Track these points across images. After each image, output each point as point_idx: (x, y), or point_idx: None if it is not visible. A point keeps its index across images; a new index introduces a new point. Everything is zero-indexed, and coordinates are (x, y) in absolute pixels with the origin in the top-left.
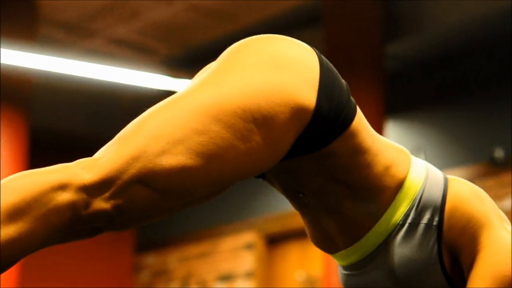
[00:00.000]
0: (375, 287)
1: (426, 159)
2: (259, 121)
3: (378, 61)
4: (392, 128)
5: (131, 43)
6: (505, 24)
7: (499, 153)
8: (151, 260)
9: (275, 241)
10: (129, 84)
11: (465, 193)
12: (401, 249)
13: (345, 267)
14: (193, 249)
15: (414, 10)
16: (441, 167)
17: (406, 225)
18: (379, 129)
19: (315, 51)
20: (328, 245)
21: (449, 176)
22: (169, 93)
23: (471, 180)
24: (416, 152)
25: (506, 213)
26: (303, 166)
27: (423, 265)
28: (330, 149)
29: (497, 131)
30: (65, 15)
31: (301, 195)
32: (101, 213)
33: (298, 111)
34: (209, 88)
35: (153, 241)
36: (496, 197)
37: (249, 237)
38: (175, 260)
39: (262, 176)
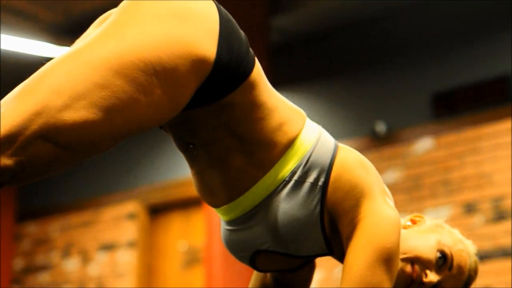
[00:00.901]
0: (256, 243)
1: None
2: (160, 74)
3: (263, 35)
4: None
5: (14, 10)
6: (384, 0)
7: (380, 127)
8: (32, 228)
9: (157, 211)
10: (12, 50)
11: (353, 161)
12: (284, 205)
13: (228, 222)
14: (75, 218)
15: None
16: None
17: (292, 182)
18: None
19: (214, 2)
20: (213, 199)
21: (341, 144)
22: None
23: None
24: None
25: (387, 186)
26: (199, 117)
27: (304, 223)
28: (227, 101)
29: (379, 105)
30: None
31: (191, 146)
32: (3, 170)
33: (198, 63)
34: (109, 41)
35: (34, 209)
36: (377, 171)
37: (131, 207)
38: (56, 229)
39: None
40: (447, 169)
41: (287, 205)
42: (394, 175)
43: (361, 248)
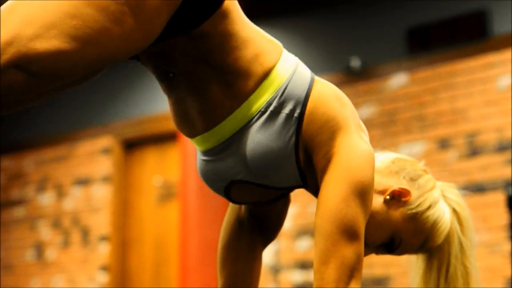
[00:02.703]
0: (230, 173)
1: None
2: (132, 3)
3: None
4: None
5: None
6: None
7: (355, 62)
8: (6, 163)
9: (132, 146)
10: None
11: (329, 94)
12: (259, 136)
13: (203, 153)
14: (50, 153)
15: None
16: None
17: (268, 112)
18: None
19: None
20: (189, 128)
21: (317, 77)
22: None
23: None
24: None
25: (361, 122)
26: (176, 47)
27: (278, 154)
28: (202, 30)
29: (354, 40)
30: None
31: (171, 74)
32: None
33: None
34: None
35: (8, 144)
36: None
37: (106, 141)
38: (31, 163)
39: (136, 57)
40: (422, 105)
41: (262, 136)
42: (368, 110)
43: (336, 181)
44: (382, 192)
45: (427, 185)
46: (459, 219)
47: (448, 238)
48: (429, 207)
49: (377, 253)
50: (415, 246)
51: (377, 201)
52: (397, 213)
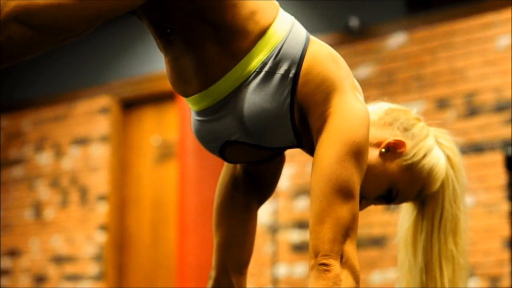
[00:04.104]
0: (225, 133)
1: None
2: None
3: None
4: None
5: None
6: None
7: (353, 22)
8: (4, 123)
9: (130, 105)
10: None
11: (324, 54)
12: (254, 96)
13: (198, 113)
14: (48, 113)
15: None
16: None
17: (263, 73)
18: None
19: None
20: (184, 87)
21: (313, 37)
22: None
23: None
24: None
25: (360, 81)
26: (173, 2)
27: (273, 115)
28: None
29: (352, 0)
30: None
31: (168, 30)
32: None
33: None
34: None
35: (6, 103)
36: (351, 66)
37: (104, 101)
38: (29, 123)
39: (133, 12)
40: (420, 64)
41: (257, 97)
42: (367, 70)
43: (331, 142)
44: (377, 145)
45: (421, 134)
46: (452, 165)
47: (443, 184)
48: (424, 156)
49: (375, 204)
50: (412, 194)
51: (373, 155)
52: (393, 165)
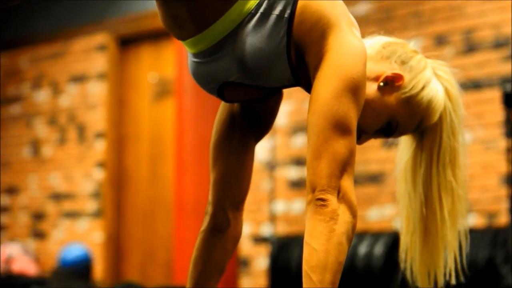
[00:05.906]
0: (223, 74)
1: None
2: None
3: None
4: None
5: None
6: None
7: None
8: (1, 60)
9: (128, 42)
10: None
11: None
12: (250, 38)
13: (195, 55)
14: (45, 50)
15: None
16: None
17: (258, 14)
18: None
19: None
20: (180, 31)
21: None
22: None
23: None
24: None
25: (358, 18)
26: None
27: (270, 55)
28: None
29: None
30: None
31: None
32: None
33: None
34: None
35: (3, 41)
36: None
37: (101, 38)
38: (26, 60)
39: None
40: (418, 1)
41: (253, 38)
42: (365, 6)
43: (328, 78)
44: (375, 79)
45: (418, 66)
46: (450, 97)
47: (441, 116)
48: (422, 88)
49: (375, 138)
50: (411, 127)
51: (371, 89)
52: (391, 98)
